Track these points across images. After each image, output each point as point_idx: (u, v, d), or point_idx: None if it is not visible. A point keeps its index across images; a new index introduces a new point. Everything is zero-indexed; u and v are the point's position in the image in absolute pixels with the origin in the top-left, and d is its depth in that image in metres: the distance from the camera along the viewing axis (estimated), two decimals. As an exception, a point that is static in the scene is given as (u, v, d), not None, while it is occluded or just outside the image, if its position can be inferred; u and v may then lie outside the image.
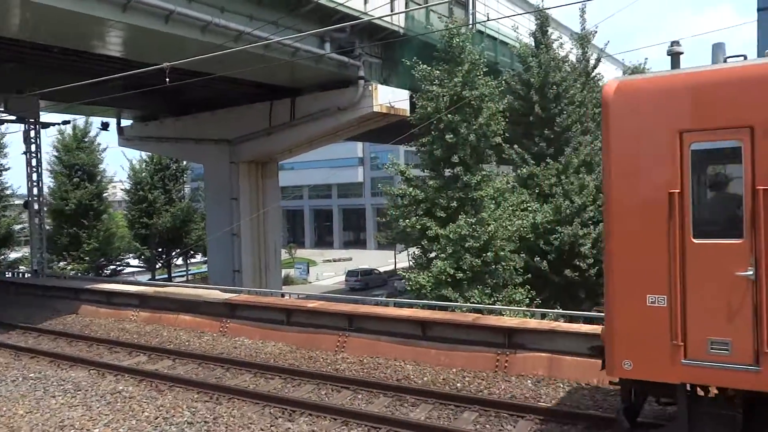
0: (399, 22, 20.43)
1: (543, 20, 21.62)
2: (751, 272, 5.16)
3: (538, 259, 18.92)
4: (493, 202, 17.10)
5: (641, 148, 5.59)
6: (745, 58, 5.58)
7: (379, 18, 18.84)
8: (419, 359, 10.62)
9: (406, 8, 20.16)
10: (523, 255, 18.24)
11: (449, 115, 16.52)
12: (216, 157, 25.22)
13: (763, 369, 5.10)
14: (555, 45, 21.69)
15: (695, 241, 5.36)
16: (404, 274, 16.99)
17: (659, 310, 5.43)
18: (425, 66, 17.34)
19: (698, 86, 5.47)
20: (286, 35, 16.07)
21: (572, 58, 23.89)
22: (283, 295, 16.69)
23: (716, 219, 5.59)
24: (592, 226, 19.26)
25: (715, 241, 5.36)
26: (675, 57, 5.98)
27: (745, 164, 5.24)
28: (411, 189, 17.02)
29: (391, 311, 12.29)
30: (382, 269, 47.96)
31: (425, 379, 9.78)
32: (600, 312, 8.10)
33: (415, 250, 17.90)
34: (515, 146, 20.66)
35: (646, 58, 41.89)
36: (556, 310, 16.42)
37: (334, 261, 60.95)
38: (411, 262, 18.32)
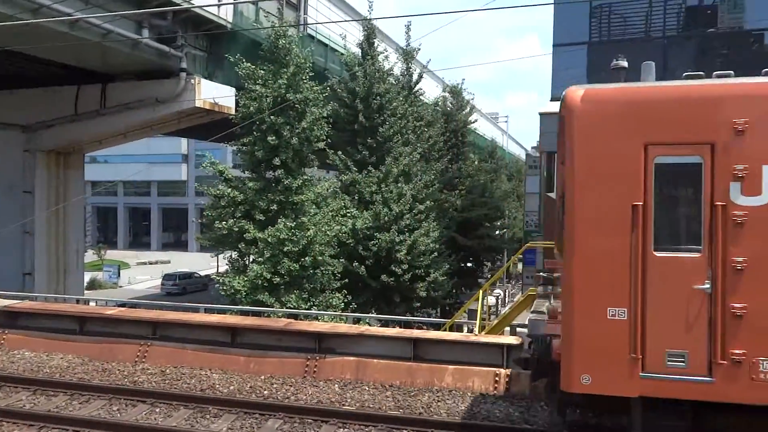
0: (227, 15, 19.69)
1: (369, 31, 22.33)
2: (707, 286, 5.30)
3: (357, 264, 19.41)
4: (314, 206, 17.18)
5: (606, 158, 5.51)
6: (706, 76, 5.70)
7: (205, 8, 17.99)
8: (227, 367, 10.22)
9: (234, 1, 19.52)
10: (343, 260, 18.58)
11: (272, 117, 16.27)
12: (4, 143, 22.04)
13: (716, 380, 5.24)
14: (381, 57, 22.51)
15: (656, 254, 5.40)
16: (218, 278, 16.31)
17: (619, 324, 5.38)
18: (249, 64, 16.91)
19: (664, 101, 5.54)
20: (97, 13, 14.61)
21: (397, 71, 25.01)
22: (87, 302, 15.02)
23: (676, 233, 5.59)
24: (407, 234, 20.27)
25: (675, 255, 5.41)
26: (618, 71, 6.13)
27: (705, 180, 5.35)
28: (230, 190, 16.43)
29: (199, 317, 11.69)
30: (203, 273, 45.82)
31: (232, 387, 9.43)
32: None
33: (232, 254, 17.30)
34: (339, 152, 21.02)
35: (464, 79, 45.34)
36: (375, 315, 16.99)
37: (150, 264, 56.91)
38: (227, 266, 17.67)
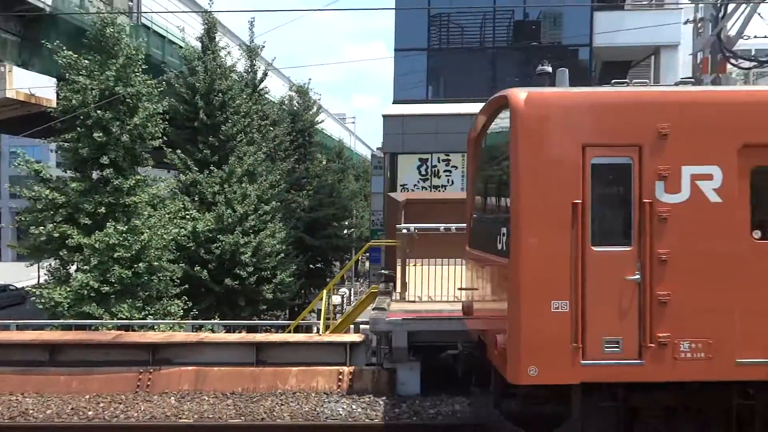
0: (45, -3, 17.62)
1: (210, 25, 21.38)
2: (637, 276, 5.72)
3: (199, 268, 18.49)
4: (150, 208, 16.01)
5: (548, 158, 5.76)
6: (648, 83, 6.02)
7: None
8: (45, 389, 9.16)
9: (51, -18, 17.53)
10: (183, 264, 17.58)
11: (99, 111, 14.86)
12: None
13: (646, 362, 5.67)
14: (222, 53, 21.65)
15: (594, 249, 5.71)
16: (35, 290, 14.53)
17: (562, 316, 5.64)
18: (70, 53, 15.29)
19: (600, 105, 5.90)
20: None
21: (240, 68, 24.24)
22: None
23: (611, 228, 5.89)
24: (252, 235, 19.73)
25: (610, 249, 5.75)
26: (543, 75, 6.36)
27: (634, 179, 5.76)
28: (48, 191, 14.71)
29: (8, 336, 10.34)
30: (20, 284, 40.70)
31: (49, 411, 8.46)
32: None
33: (52, 262, 15.53)
34: (178, 151, 19.86)
35: (310, 79, 45.25)
36: (219, 321, 16.24)
37: (-47, 276, 49.29)
38: (47, 277, 15.83)
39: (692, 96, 6.09)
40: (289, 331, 12.60)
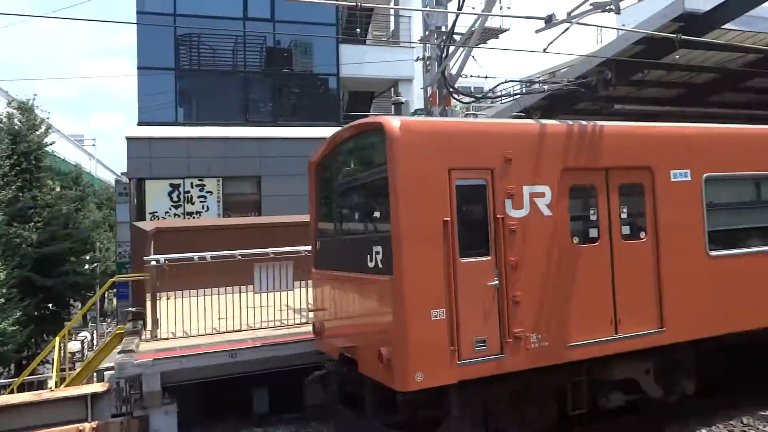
0: None
1: None
2: (496, 282, 6.55)
3: None
4: None
5: (421, 180, 6.31)
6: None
7: None
8: None
9: None
10: None
11: None
12: None
13: (506, 355, 6.49)
14: None
15: (462, 260, 6.41)
16: None
17: (440, 323, 6.21)
18: None
19: (460, 133, 6.68)
20: None
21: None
22: None
23: (473, 241, 6.57)
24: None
25: (474, 260, 6.50)
26: (398, 106, 7.23)
27: (488, 198, 6.64)
28: None
29: None
30: None
31: None
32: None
33: None
34: None
35: (35, 95, 39.57)
36: None
37: None
38: None
39: (527, 128, 7.23)
40: (12, 391, 10.59)
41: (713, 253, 8.02)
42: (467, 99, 16.31)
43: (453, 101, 15.93)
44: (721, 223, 8.27)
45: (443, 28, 13.31)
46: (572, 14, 8.30)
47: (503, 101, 17.43)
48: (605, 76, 12.22)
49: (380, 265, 6.65)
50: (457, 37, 13.00)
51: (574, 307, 6.98)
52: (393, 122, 6.49)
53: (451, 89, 13.19)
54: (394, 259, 6.27)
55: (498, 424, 6.95)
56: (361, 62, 23.21)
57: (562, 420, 7.34)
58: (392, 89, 25.73)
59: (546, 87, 12.83)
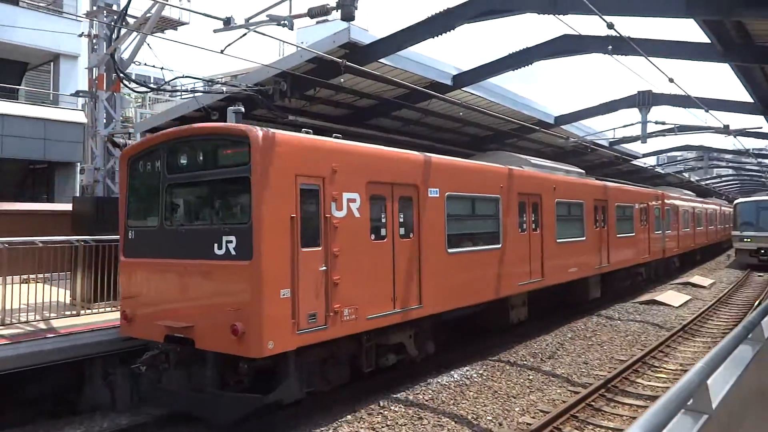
0: None
1: None
2: (324, 267, 8.00)
3: None
4: None
5: (277, 182, 7.50)
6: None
7: None
8: None
9: None
10: None
11: None
12: None
13: (329, 326, 8.01)
14: None
15: (303, 249, 7.71)
16: None
17: (287, 300, 7.47)
18: None
19: (304, 146, 8.06)
20: None
21: None
22: None
23: (310, 234, 7.87)
24: None
25: (310, 249, 7.84)
26: (238, 114, 8.62)
27: (320, 200, 8.04)
28: None
29: None
30: None
31: None
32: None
33: None
34: None
35: None
36: None
37: None
38: None
39: (348, 147, 8.93)
40: None
41: (450, 251, 10.72)
42: (142, 88, 15.25)
43: (125, 88, 14.67)
44: (454, 229, 10.94)
45: (115, 7, 12.17)
46: (250, 21, 8.45)
47: (183, 97, 16.81)
48: (281, 87, 12.88)
49: (233, 252, 7.56)
50: (131, 21, 12.04)
51: (370, 288, 8.86)
52: (256, 132, 7.46)
53: (122, 74, 12.15)
54: (254, 247, 7.32)
55: (314, 382, 8.47)
56: (12, 26, 19.57)
57: (358, 376, 9.31)
58: (52, 64, 22.39)
59: (225, 89, 12.83)
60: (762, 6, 9.43)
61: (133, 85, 12.65)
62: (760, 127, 22.65)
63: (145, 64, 12.54)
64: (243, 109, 9.07)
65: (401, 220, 9.59)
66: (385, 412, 8.78)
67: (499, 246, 12.31)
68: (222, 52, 8.77)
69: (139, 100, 28.07)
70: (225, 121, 8.95)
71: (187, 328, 7.78)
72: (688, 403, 1.84)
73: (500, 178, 12.56)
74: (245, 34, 8.76)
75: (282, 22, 8.23)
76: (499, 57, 14.76)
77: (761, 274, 27.37)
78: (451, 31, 11.31)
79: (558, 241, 14.76)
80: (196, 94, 14.52)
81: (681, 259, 29.14)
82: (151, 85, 13.95)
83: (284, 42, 15.74)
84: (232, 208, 8.13)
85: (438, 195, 10.44)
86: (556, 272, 14.58)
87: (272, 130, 7.80)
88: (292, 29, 8.32)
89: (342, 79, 12.67)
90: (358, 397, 9.42)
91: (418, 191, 9.97)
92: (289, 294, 7.50)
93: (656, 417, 1.48)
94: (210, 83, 14.22)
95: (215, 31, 8.84)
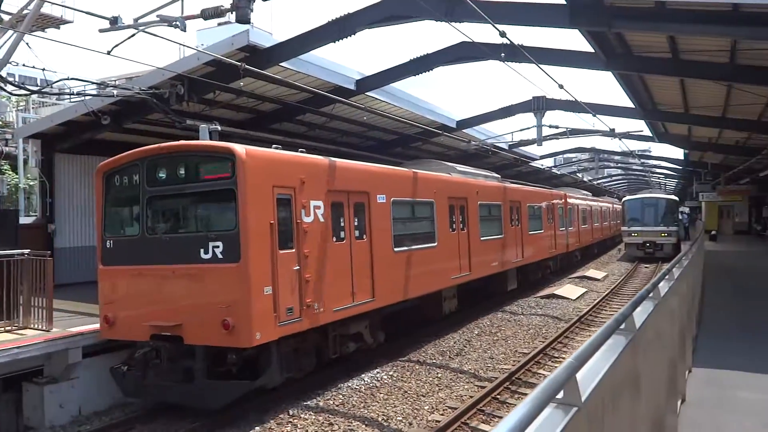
0: None
1: None
2: (297, 267, 9.02)
3: None
4: None
5: (258, 193, 8.44)
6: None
7: None
8: None
9: None
10: None
11: None
12: None
13: (303, 318, 9.06)
14: None
15: (280, 251, 8.73)
16: None
17: (269, 296, 8.43)
18: None
19: (278, 161, 9.22)
20: None
21: None
22: None
23: (286, 238, 8.92)
24: None
25: (286, 251, 8.89)
26: (215, 133, 10.05)
27: (293, 207, 9.12)
28: None
29: None
30: None
31: None
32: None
33: None
34: None
35: None
36: None
37: None
38: None
39: (313, 160, 9.94)
40: None
41: (396, 249, 11.94)
42: (21, 91, 14.09)
43: (2, 91, 13.50)
44: (398, 230, 12.13)
45: (-14, 3, 11.16)
46: (139, 21, 8.03)
47: (72, 100, 15.74)
48: (178, 91, 12.37)
49: (220, 256, 8.39)
50: (6, 17, 11.10)
51: (334, 284, 9.84)
52: (239, 149, 8.32)
53: (-4, 76, 11.16)
54: (241, 251, 8.22)
55: (290, 369, 9.33)
56: None
57: (324, 363, 10.34)
58: None
59: (116, 92, 12.15)
60: (637, 20, 10.20)
61: (10, 87, 11.64)
62: (641, 131, 24.55)
63: (24, 65, 11.61)
64: (219, 128, 10.12)
65: (356, 223, 10.75)
66: (295, 421, 8.63)
67: (435, 244, 13.67)
68: (109, 53, 8.27)
69: (22, 104, 25.99)
70: (119, 126, 9.88)
71: (175, 326, 8.53)
72: (560, 397, 1.92)
73: (434, 184, 13.97)
74: (134, 35, 8.32)
75: (174, 23, 7.88)
76: (402, 62, 15.01)
77: (647, 265, 29.58)
78: (352, 35, 11.35)
79: (482, 239, 16.39)
80: (86, 98, 13.65)
81: (582, 252, 31.73)
82: (32, 87, 12.92)
83: (175, 43, 15.07)
84: (218, 217, 8.92)
85: (385, 201, 11.69)
86: (481, 267, 16.18)
87: (251, 147, 8.70)
88: (184, 30, 8.00)
89: (242, 83, 12.38)
90: (266, 407, 9.21)
91: (369, 198, 11.16)
92: (271, 291, 8.47)
93: (524, 413, 1.52)
94: (101, 86, 13.41)
95: (101, 30, 8.32)
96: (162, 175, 9.03)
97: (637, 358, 3.11)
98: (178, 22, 7.82)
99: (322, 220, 9.66)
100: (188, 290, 8.60)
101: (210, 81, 11.88)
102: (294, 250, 9.00)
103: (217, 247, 8.39)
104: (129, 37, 8.42)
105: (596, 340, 2.32)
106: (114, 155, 9.48)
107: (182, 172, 8.91)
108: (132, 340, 9.18)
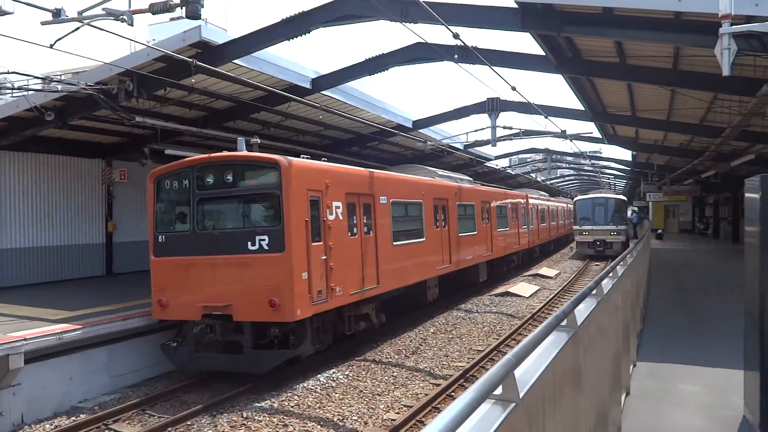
0: None
1: None
2: (324, 257, 10.80)
3: None
4: None
5: (297, 196, 10.18)
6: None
7: None
8: None
9: None
10: None
11: None
12: None
13: (329, 299, 10.84)
14: None
15: (312, 243, 10.43)
16: None
17: (306, 280, 10.14)
18: None
19: (310, 169, 10.95)
20: None
21: None
22: None
23: (316, 233, 10.64)
24: None
25: (316, 244, 10.61)
26: (255, 144, 12.05)
27: (321, 207, 10.86)
28: None
29: None
30: None
31: None
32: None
33: None
34: None
35: None
36: None
37: None
38: None
39: (336, 168, 11.87)
40: None
41: (395, 244, 13.84)
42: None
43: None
44: (396, 227, 14.05)
45: None
46: (83, 14, 7.77)
47: (13, 95, 15.08)
48: (127, 87, 12.03)
49: (266, 247, 10.07)
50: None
51: (350, 272, 11.62)
52: (284, 160, 10.19)
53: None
54: (285, 243, 9.92)
55: (318, 342, 10.95)
56: None
57: (339, 339, 12.03)
58: None
59: (60, 87, 11.74)
60: (586, 25, 10.47)
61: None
62: (591, 132, 25.22)
63: (-39, 58, 11.06)
64: (259, 141, 12.15)
65: (365, 221, 12.55)
66: (249, 423, 8.52)
67: (424, 239, 15.72)
68: (52, 46, 7.96)
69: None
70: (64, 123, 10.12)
71: (225, 306, 10.19)
72: (498, 393, 1.95)
73: (422, 187, 16.11)
74: (78, 28, 8.03)
75: (121, 17, 7.65)
76: (357, 62, 14.99)
77: (598, 263, 30.45)
78: (307, 34, 11.27)
79: (460, 235, 18.47)
80: (28, 92, 13.12)
81: (540, 249, 33.72)
82: (-31, 82, 12.32)
83: (123, 38, 14.53)
84: (264, 215, 10.60)
85: (386, 201, 13.61)
86: (458, 260, 18.28)
87: (291, 157, 10.54)
88: (132, 25, 7.77)
89: (193, 80, 12.12)
90: (222, 404, 9.07)
91: (374, 199, 13.03)
92: (307, 276, 10.17)
93: (460, 408, 1.55)
94: (45, 80, 12.92)
95: (43, 23, 8.00)
96: (210, 180, 10.71)
97: (579, 353, 3.19)
98: (125, 16, 7.59)
99: (341, 218, 11.47)
100: (237, 276, 10.25)
101: (160, 77, 11.59)
102: (321, 243, 10.75)
103: (264, 240, 10.08)
104: (73, 31, 8.13)
105: (535, 337, 2.37)
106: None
107: (229, 177, 10.59)
108: (181, 319, 10.86)
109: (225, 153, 11.03)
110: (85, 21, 7.78)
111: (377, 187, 13.25)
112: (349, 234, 11.83)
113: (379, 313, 13.33)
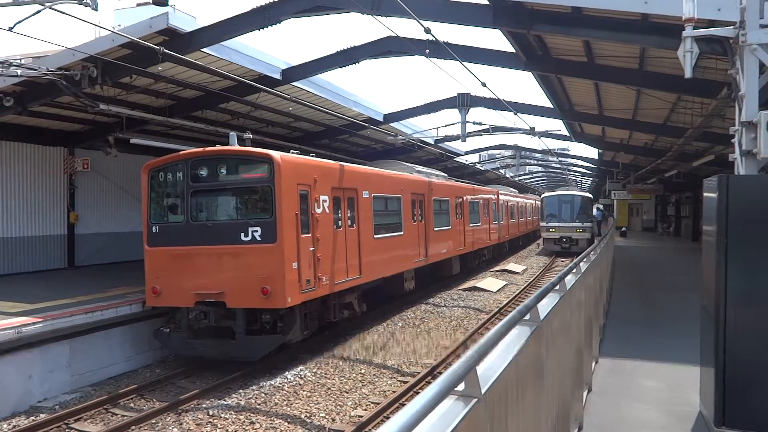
0: None
1: None
2: (312, 248, 11.26)
3: None
4: None
5: (288, 190, 10.60)
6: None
7: None
8: None
9: None
10: None
11: None
12: None
13: (316, 288, 11.29)
14: None
15: (302, 235, 10.94)
16: None
17: (296, 270, 10.60)
18: None
19: (300, 164, 11.39)
20: None
21: None
22: None
23: (305, 225, 11.12)
24: None
25: (305, 235, 11.05)
26: (248, 140, 12.46)
27: (309, 200, 11.34)
28: None
29: None
30: None
31: None
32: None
33: None
34: None
35: None
36: None
37: None
38: None
39: (323, 163, 12.27)
40: None
41: (376, 236, 14.45)
42: None
43: None
44: (377, 220, 14.63)
45: None
46: (43, -3, 7.51)
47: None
48: (91, 73, 11.70)
49: (259, 238, 10.49)
50: None
51: (335, 262, 12.11)
52: (276, 155, 10.62)
53: None
54: (277, 234, 10.37)
55: (305, 327, 11.38)
56: None
57: (323, 326, 12.62)
58: None
59: (20, 71, 11.36)
60: (555, 23, 10.58)
61: None
62: (559, 130, 25.58)
63: None
64: (251, 136, 12.75)
65: (349, 214, 13.07)
66: (215, 421, 8.42)
67: (402, 233, 16.36)
68: (11, 29, 7.67)
69: None
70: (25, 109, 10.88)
71: (219, 293, 10.58)
72: (461, 389, 1.96)
73: (401, 182, 16.71)
74: (39, 11, 7.76)
75: (84, 1, 7.41)
76: (329, 54, 14.88)
77: (564, 259, 30.96)
78: (277, 24, 11.11)
79: (435, 229, 19.20)
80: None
81: (509, 244, 34.55)
82: None
83: (87, 23, 14.08)
84: (257, 208, 10.92)
85: (368, 196, 14.15)
86: (434, 253, 19.09)
87: (282, 152, 11.00)
88: (96, 9, 7.53)
89: (160, 68, 11.85)
90: (188, 402, 8.93)
91: (357, 193, 13.54)
92: (296, 266, 10.63)
93: (422, 404, 1.54)
94: (3, 64, 12.47)
95: (1, 5, 7.71)
96: (203, 173, 11.05)
97: (541, 348, 3.23)
98: (89, 1, 7.36)
99: (327, 211, 11.96)
100: (230, 265, 10.66)
101: (126, 64, 11.30)
102: (310, 235, 11.22)
103: (256, 231, 10.53)
104: (34, 14, 7.85)
105: (497, 332, 2.39)
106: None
107: (223, 171, 11.00)
108: (173, 306, 11.16)
109: (219, 147, 11.35)
110: (47, 4, 7.53)
111: (361, 181, 13.85)
112: (335, 227, 12.35)
113: (361, 302, 13.96)
